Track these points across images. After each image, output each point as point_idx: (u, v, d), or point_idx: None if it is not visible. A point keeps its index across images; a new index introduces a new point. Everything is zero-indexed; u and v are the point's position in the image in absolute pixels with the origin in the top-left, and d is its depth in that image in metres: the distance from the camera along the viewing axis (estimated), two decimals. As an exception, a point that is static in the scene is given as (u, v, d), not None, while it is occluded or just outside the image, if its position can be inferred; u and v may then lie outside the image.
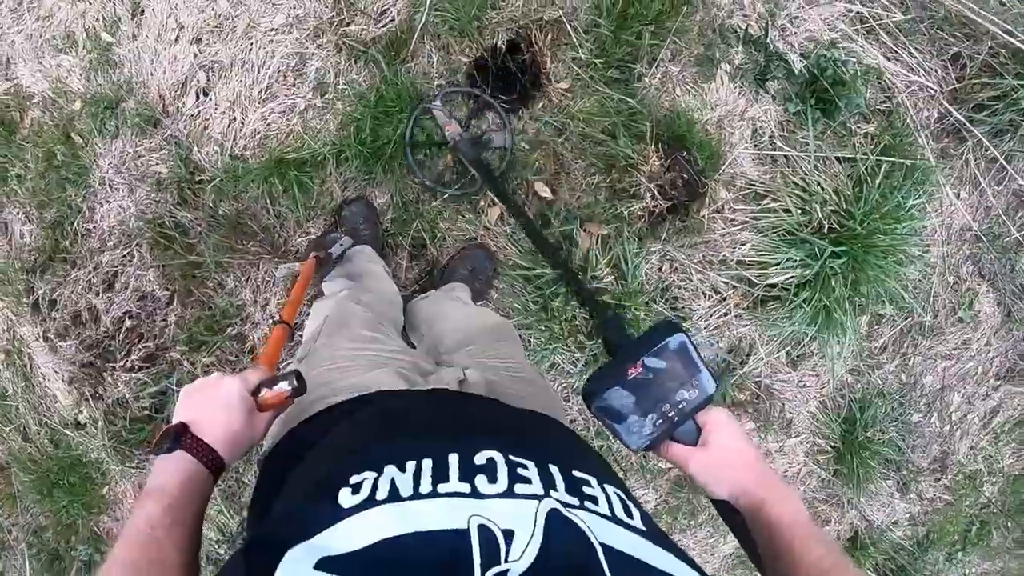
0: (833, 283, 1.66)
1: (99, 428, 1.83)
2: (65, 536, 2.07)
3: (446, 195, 1.63)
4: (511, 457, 0.47)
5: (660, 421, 0.66)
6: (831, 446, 1.98)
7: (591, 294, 0.83)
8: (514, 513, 0.41)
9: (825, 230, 1.66)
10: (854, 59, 1.67)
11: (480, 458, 0.47)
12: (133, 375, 1.78)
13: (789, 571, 0.56)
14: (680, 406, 0.66)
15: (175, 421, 0.64)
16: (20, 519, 2.09)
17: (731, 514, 0.66)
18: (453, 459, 0.46)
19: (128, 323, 1.78)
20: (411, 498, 0.42)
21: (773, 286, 1.70)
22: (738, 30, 1.63)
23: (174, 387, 1.77)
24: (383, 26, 1.61)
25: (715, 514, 2.02)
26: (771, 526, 0.59)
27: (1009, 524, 2.28)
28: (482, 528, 0.39)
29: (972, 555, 2.27)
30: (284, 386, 0.68)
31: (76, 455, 1.91)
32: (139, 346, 1.78)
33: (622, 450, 1.88)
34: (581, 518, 0.42)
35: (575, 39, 1.58)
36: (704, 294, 1.73)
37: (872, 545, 2.10)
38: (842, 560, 0.55)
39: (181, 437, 0.61)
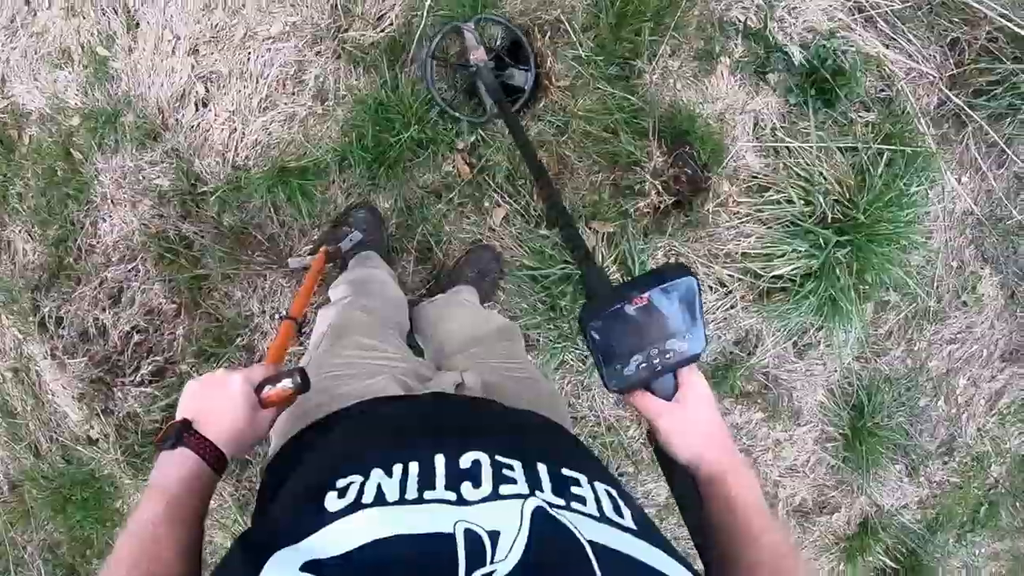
0: (838, 272, 1.67)
1: (111, 443, 1.83)
2: (80, 551, 2.07)
3: (456, 118, 1.60)
4: (497, 458, 0.48)
5: (644, 365, 0.62)
6: (840, 433, 1.99)
7: (586, 246, 0.81)
8: (499, 514, 0.42)
9: (829, 220, 1.66)
10: (853, 48, 1.67)
11: (466, 460, 0.47)
12: (143, 389, 1.78)
13: (744, 549, 0.57)
14: (668, 356, 0.62)
15: (178, 416, 0.64)
16: (35, 536, 2.10)
17: (677, 473, 0.64)
18: (439, 461, 0.47)
19: (136, 337, 1.78)
20: (397, 503, 0.43)
21: (779, 277, 1.70)
22: (737, 23, 1.62)
23: (185, 399, 1.77)
24: (381, 31, 1.60)
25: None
26: (730, 500, 0.60)
27: (1017, 504, 2.30)
28: (468, 532, 0.40)
29: (981, 536, 2.30)
30: (287, 383, 0.68)
31: (88, 470, 1.91)
32: (148, 360, 1.78)
33: (633, 444, 1.89)
34: (567, 518, 0.42)
35: (575, 38, 1.58)
36: (710, 287, 1.74)
37: (882, 529, 2.12)
38: (796, 549, 0.58)
39: (184, 433, 0.61)
